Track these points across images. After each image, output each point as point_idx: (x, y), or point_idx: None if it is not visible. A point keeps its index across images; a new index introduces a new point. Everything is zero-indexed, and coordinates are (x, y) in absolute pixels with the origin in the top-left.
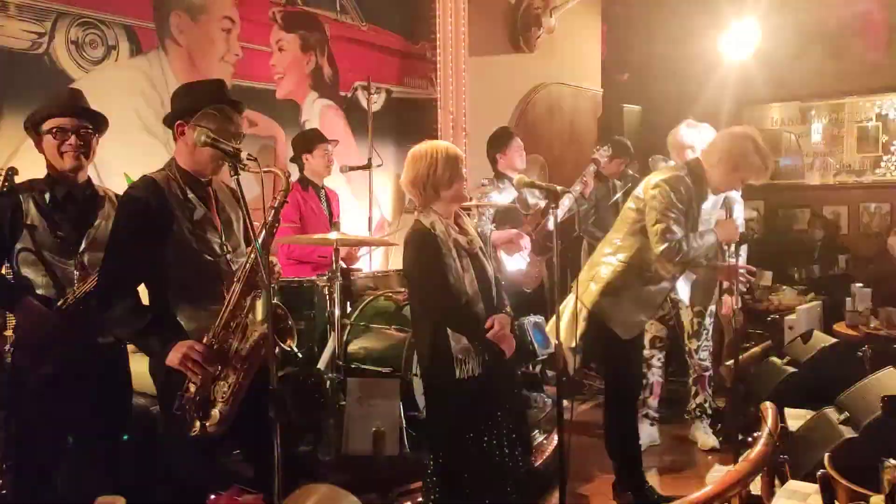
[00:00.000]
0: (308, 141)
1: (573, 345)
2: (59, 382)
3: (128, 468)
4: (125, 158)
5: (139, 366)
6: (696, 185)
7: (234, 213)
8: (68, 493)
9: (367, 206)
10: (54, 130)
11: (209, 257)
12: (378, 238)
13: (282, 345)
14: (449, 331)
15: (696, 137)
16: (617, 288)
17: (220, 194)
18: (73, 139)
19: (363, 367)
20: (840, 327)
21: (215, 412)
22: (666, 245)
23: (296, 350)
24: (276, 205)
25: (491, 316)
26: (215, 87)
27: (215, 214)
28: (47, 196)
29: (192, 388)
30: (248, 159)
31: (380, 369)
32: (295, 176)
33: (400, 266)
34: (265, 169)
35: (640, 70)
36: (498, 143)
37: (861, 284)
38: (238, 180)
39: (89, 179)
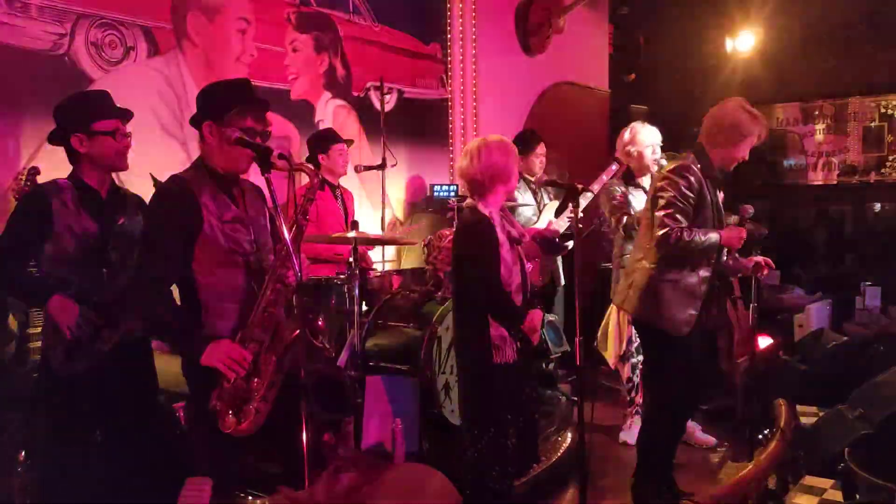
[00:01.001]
0: (324, 141)
1: (622, 353)
2: (87, 379)
3: (153, 463)
4: (142, 158)
5: (160, 362)
6: (706, 169)
7: (260, 211)
8: (95, 488)
9: (379, 205)
10: (115, 132)
11: (239, 255)
12: (393, 237)
13: (314, 341)
14: (490, 318)
15: (654, 137)
16: (655, 289)
17: (246, 192)
18: (128, 140)
19: (381, 364)
20: (850, 325)
21: (249, 409)
22: (664, 231)
23: (327, 346)
24: (304, 203)
25: (526, 308)
26: (241, 86)
27: (244, 212)
28: (75, 196)
29: (227, 386)
30: (278, 158)
31: (398, 366)
32: None
33: (413, 265)
34: (296, 167)
35: (646, 70)
36: (523, 145)
37: (870, 283)
38: (269, 178)
39: (113, 180)
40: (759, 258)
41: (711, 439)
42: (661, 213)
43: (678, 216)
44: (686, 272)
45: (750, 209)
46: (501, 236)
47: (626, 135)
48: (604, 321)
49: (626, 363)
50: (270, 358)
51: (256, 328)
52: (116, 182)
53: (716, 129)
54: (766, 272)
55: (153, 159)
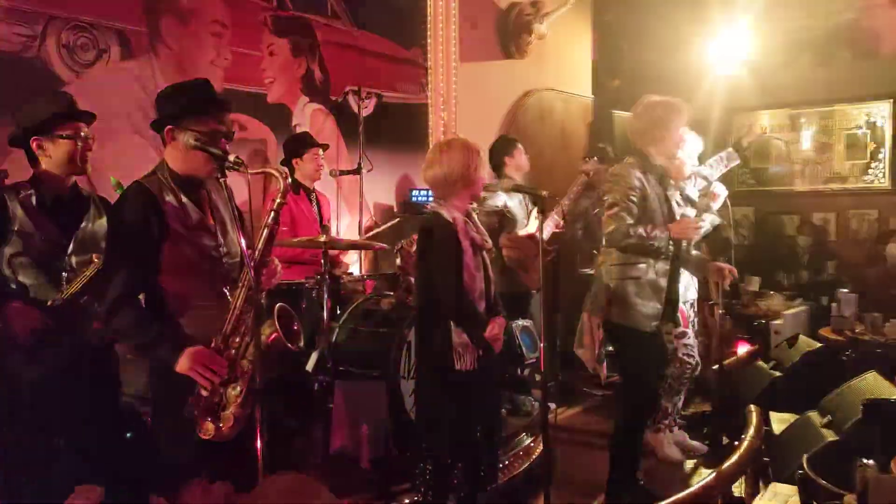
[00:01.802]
0: (299, 145)
1: (596, 354)
2: (49, 383)
3: (116, 467)
4: (115, 162)
5: (129, 369)
6: (650, 171)
7: (228, 214)
8: (59, 493)
9: (356, 210)
10: (72, 135)
11: (206, 261)
12: (367, 241)
13: (290, 346)
14: (452, 324)
15: (698, 147)
16: (619, 288)
17: (213, 196)
18: (90, 143)
19: (351, 369)
20: (825, 332)
21: (227, 414)
22: (610, 228)
23: (302, 346)
24: (275, 207)
25: (489, 314)
26: (201, 87)
27: (210, 217)
28: (34, 199)
29: (205, 393)
30: (234, 162)
31: (368, 371)
32: None
33: (388, 270)
34: (260, 170)
35: (630, 77)
36: (506, 147)
37: (847, 290)
38: (225, 182)
39: (75, 182)
40: (723, 265)
41: (702, 446)
42: (607, 212)
43: (622, 213)
44: (646, 268)
45: (712, 204)
46: (465, 242)
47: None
48: (580, 324)
49: (603, 364)
50: (247, 364)
51: (231, 334)
52: (88, 185)
53: (642, 130)
54: (728, 280)
55: (126, 163)
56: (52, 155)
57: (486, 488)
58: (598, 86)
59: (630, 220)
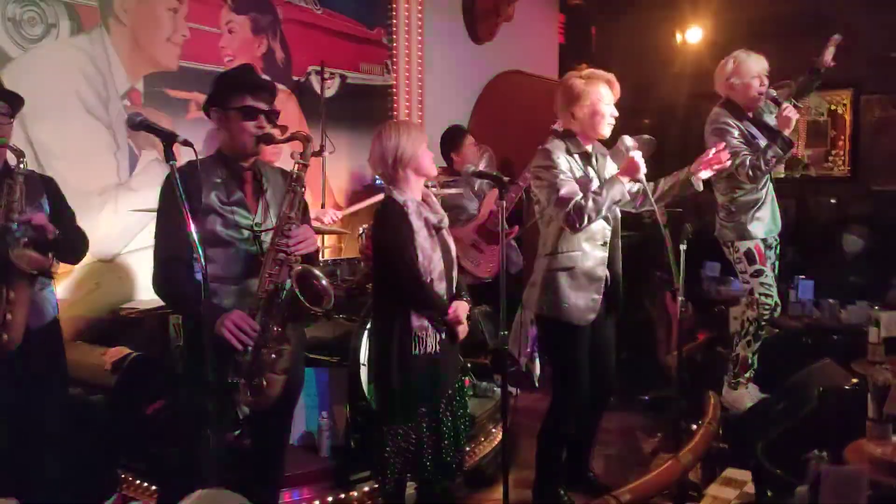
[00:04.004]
0: None
1: (528, 352)
2: None
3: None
4: (64, 140)
5: (77, 354)
6: (575, 148)
7: (279, 194)
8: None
9: (319, 193)
10: None
11: (235, 236)
12: (330, 227)
13: (315, 309)
14: (411, 308)
15: (761, 66)
16: (552, 280)
17: (265, 176)
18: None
19: (310, 355)
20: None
21: (262, 381)
22: (567, 210)
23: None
24: (298, 170)
25: (451, 296)
26: (242, 72)
27: (250, 195)
28: None
29: (240, 358)
30: (183, 142)
31: (327, 358)
32: None
33: (352, 254)
34: (287, 137)
35: (598, 61)
36: (452, 142)
37: (803, 276)
38: (173, 166)
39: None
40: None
41: None
42: (552, 201)
43: (565, 193)
44: (580, 257)
45: (627, 139)
46: (417, 223)
47: (729, 65)
48: (514, 319)
49: (535, 363)
50: (279, 328)
51: (262, 299)
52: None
53: (561, 106)
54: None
55: (76, 142)
56: None
57: (450, 475)
58: (564, 69)
59: (577, 194)
